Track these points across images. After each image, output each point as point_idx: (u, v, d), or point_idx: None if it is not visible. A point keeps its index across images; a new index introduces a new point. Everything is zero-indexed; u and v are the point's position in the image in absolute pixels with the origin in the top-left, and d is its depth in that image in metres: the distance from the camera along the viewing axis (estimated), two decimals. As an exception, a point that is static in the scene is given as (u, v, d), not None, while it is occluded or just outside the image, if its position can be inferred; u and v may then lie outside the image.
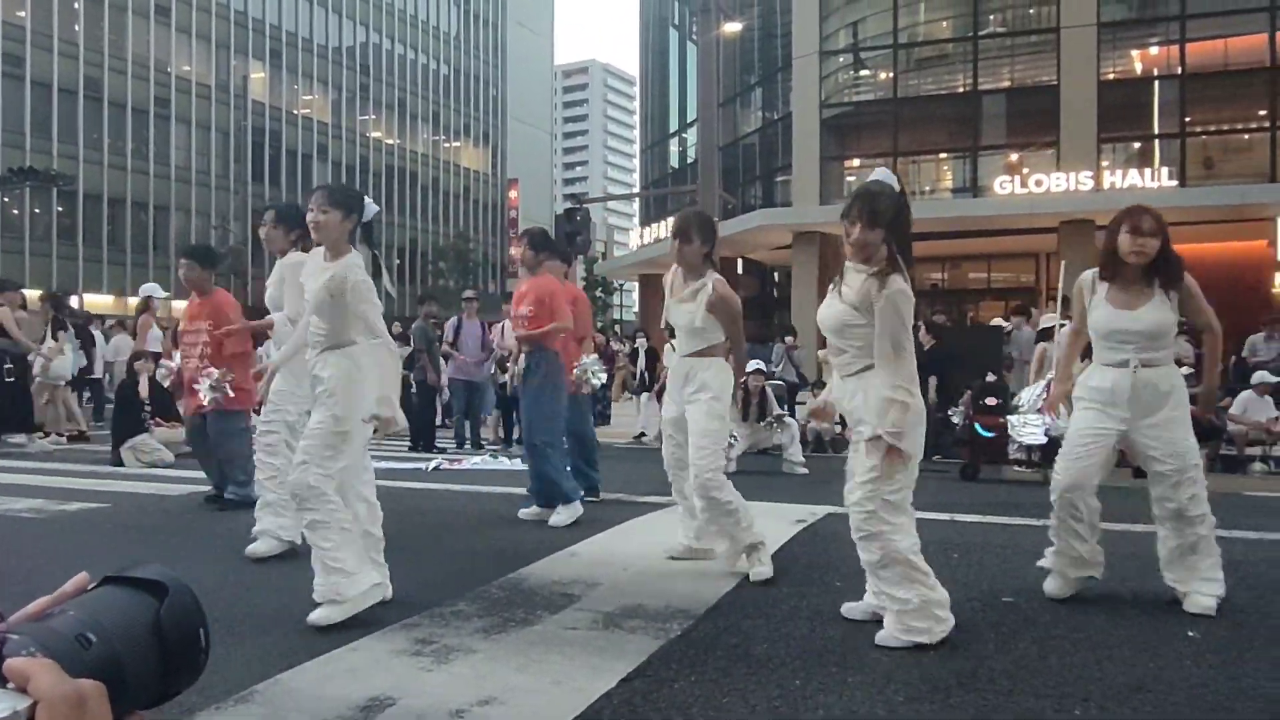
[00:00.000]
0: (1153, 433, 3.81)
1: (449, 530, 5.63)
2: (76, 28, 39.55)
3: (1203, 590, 3.80)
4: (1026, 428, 9.06)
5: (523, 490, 6.73)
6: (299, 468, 3.66)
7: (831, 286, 3.51)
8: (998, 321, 12.21)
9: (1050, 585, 4.02)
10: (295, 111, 49.16)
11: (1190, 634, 3.52)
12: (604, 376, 6.19)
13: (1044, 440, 8.89)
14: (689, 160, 31.85)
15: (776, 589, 4.18)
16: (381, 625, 3.51)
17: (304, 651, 3.23)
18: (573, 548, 4.99)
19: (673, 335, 4.68)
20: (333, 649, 3.24)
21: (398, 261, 54.74)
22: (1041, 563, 4.09)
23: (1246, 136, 23.12)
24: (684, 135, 33.41)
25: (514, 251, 7.80)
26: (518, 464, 8.66)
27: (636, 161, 49.83)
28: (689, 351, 4.40)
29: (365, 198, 3.90)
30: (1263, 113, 22.28)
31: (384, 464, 8.75)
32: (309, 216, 3.79)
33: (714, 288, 4.37)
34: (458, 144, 60.51)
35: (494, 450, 10.87)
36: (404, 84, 56.07)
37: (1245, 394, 10.33)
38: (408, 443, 11.32)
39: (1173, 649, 3.35)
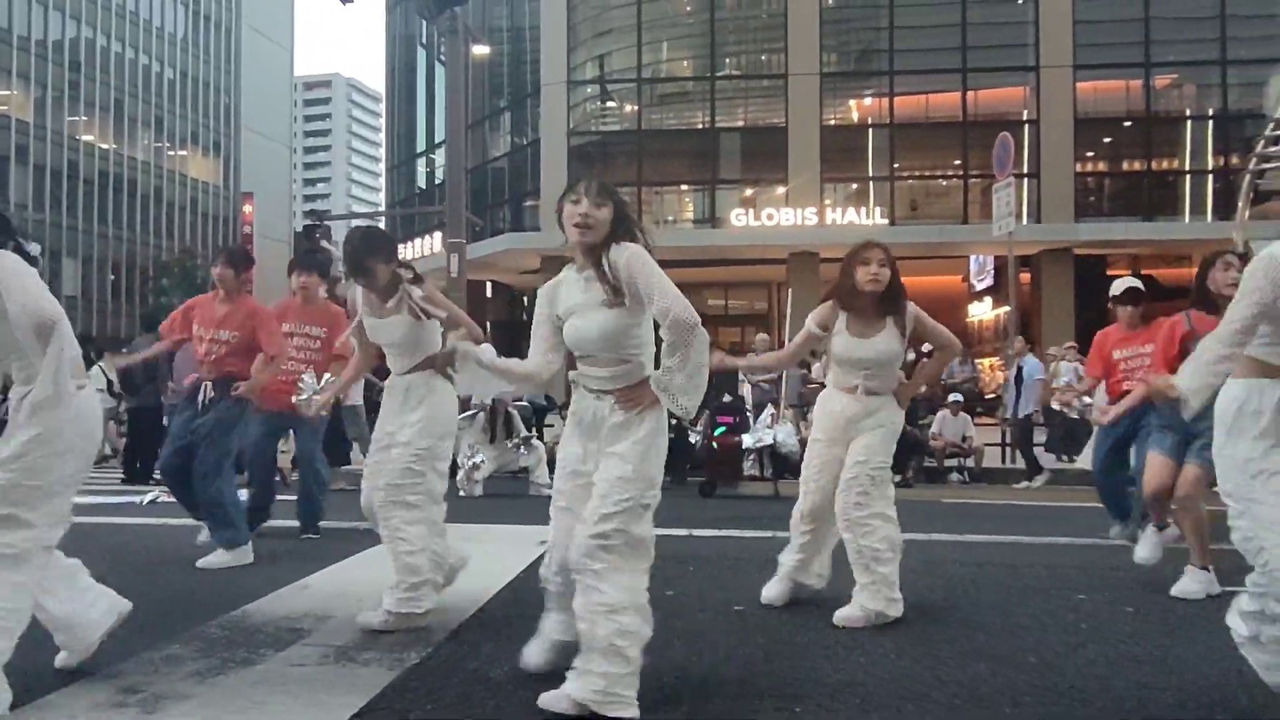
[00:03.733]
0: (857, 444, 4.10)
1: (164, 568, 5.17)
2: None
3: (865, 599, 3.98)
4: (759, 441, 9.68)
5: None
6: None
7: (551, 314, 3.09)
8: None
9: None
10: (-11, 107, 43.91)
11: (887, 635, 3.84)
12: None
13: (770, 442, 9.51)
14: (437, 181, 31.38)
15: (519, 611, 4.15)
16: (79, 676, 3.15)
17: (-21, 712, 2.83)
18: (304, 580, 4.73)
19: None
20: (16, 706, 2.87)
21: (112, 277, 50.10)
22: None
23: (944, 183, 25.87)
24: (432, 155, 32.88)
25: (214, 271, 7.14)
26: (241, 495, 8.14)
27: (383, 180, 48.45)
28: (407, 369, 4.04)
29: None
30: (957, 162, 25.03)
31: (92, 499, 7.94)
32: None
33: (409, 296, 3.99)
34: (184, 153, 56.24)
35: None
36: (122, 85, 51.44)
37: (942, 413, 11.50)
38: (120, 475, 10.36)
39: (881, 647, 3.64)
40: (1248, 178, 15.91)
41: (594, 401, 3.00)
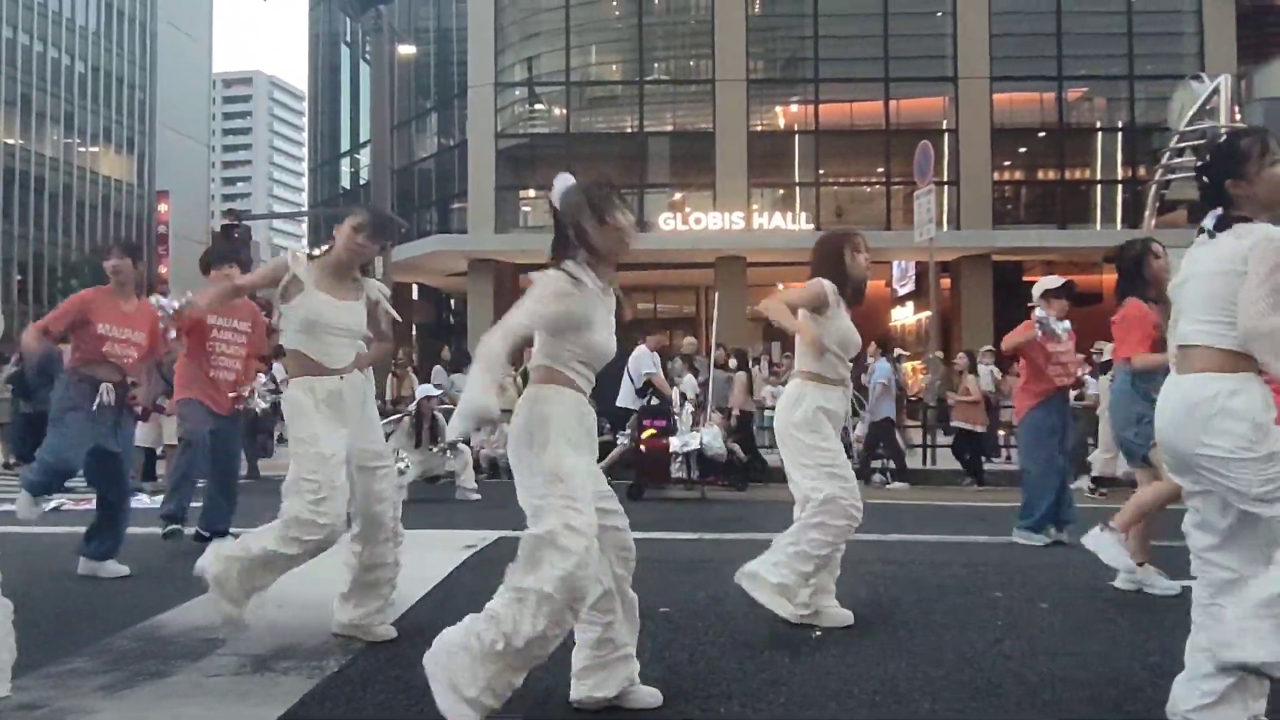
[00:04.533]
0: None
1: (70, 578, 4.97)
2: None
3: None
4: (687, 446, 9.71)
5: (159, 530, 6.11)
6: None
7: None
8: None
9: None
10: (-115, 99, 41.87)
11: (816, 633, 3.88)
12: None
13: (697, 447, 9.57)
14: (361, 181, 30.89)
15: (442, 616, 4.09)
16: (-25, 693, 3.01)
17: None
18: (221, 589, 4.58)
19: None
20: (-94, 726, 2.73)
21: (19, 278, 48.18)
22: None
23: (868, 189, 26.36)
24: (356, 155, 32.35)
25: (108, 264, 6.75)
26: (159, 501, 7.92)
27: (306, 180, 47.50)
28: (347, 363, 3.73)
29: None
30: (880, 170, 25.52)
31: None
32: None
33: (378, 289, 3.89)
34: (96, 149, 54.36)
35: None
36: (30, 79, 49.54)
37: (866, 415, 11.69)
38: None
39: (804, 645, 3.68)
40: (1154, 188, 16.56)
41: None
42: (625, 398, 10.57)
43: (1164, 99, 19.35)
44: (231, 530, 6.07)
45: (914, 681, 3.24)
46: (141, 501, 8.50)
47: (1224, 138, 2.92)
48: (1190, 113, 15.57)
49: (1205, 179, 2.78)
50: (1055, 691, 3.15)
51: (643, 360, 10.43)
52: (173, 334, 5.30)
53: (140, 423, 9.34)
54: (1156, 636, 3.88)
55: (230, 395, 5.93)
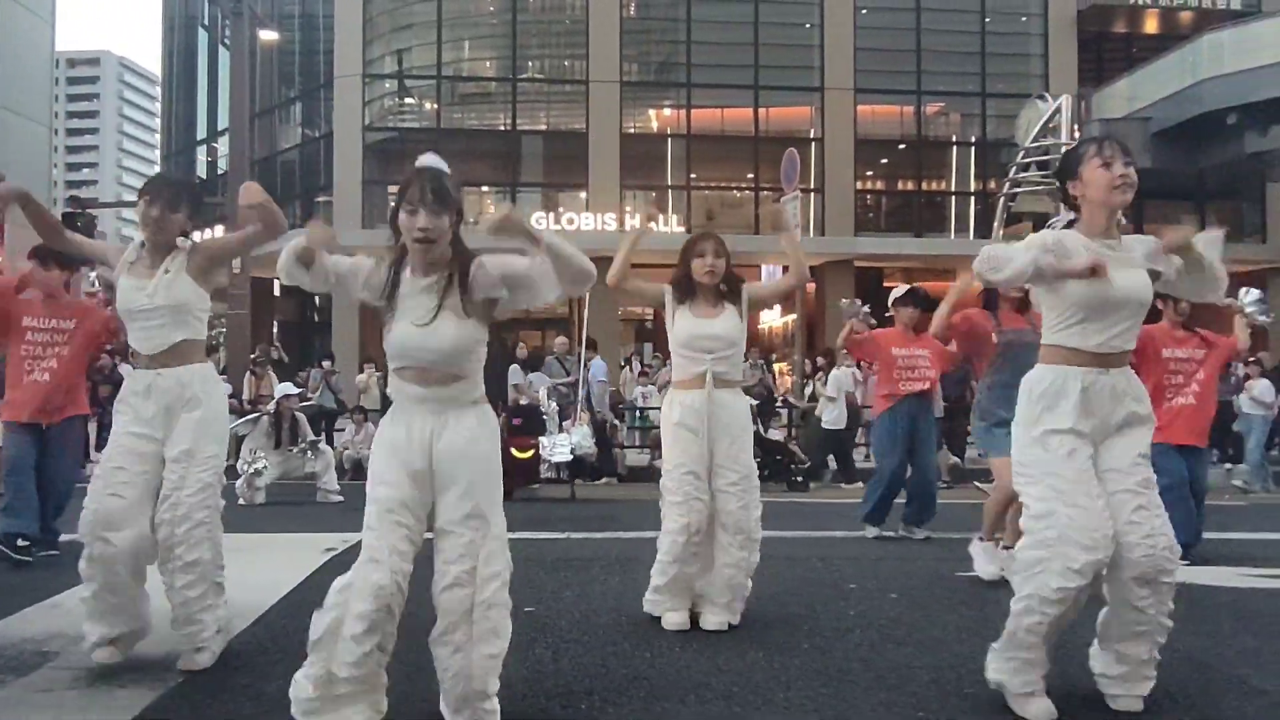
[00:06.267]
0: (722, 448, 3.95)
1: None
2: None
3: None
4: (556, 448, 9.68)
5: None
6: None
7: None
8: None
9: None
10: None
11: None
12: None
13: (570, 458, 9.56)
14: (220, 171, 29.57)
15: (297, 623, 3.97)
16: None
17: None
18: (55, 598, 4.31)
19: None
20: None
21: None
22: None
23: (738, 194, 26.87)
24: (214, 144, 30.94)
25: None
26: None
27: (159, 167, 45.11)
28: (169, 344, 3.36)
29: None
30: (750, 175, 26.06)
31: None
32: None
33: (193, 245, 3.58)
34: (-78, 129, 50.37)
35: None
36: None
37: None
38: None
39: (664, 641, 3.74)
40: (1002, 200, 17.52)
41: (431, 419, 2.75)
42: None
43: (1012, 116, 20.50)
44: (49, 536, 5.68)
45: (769, 672, 3.33)
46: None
47: (1074, 144, 3.22)
48: (1035, 129, 16.55)
49: (1059, 184, 3.05)
50: (901, 676, 3.29)
51: None
52: None
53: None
54: (995, 622, 4.10)
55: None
